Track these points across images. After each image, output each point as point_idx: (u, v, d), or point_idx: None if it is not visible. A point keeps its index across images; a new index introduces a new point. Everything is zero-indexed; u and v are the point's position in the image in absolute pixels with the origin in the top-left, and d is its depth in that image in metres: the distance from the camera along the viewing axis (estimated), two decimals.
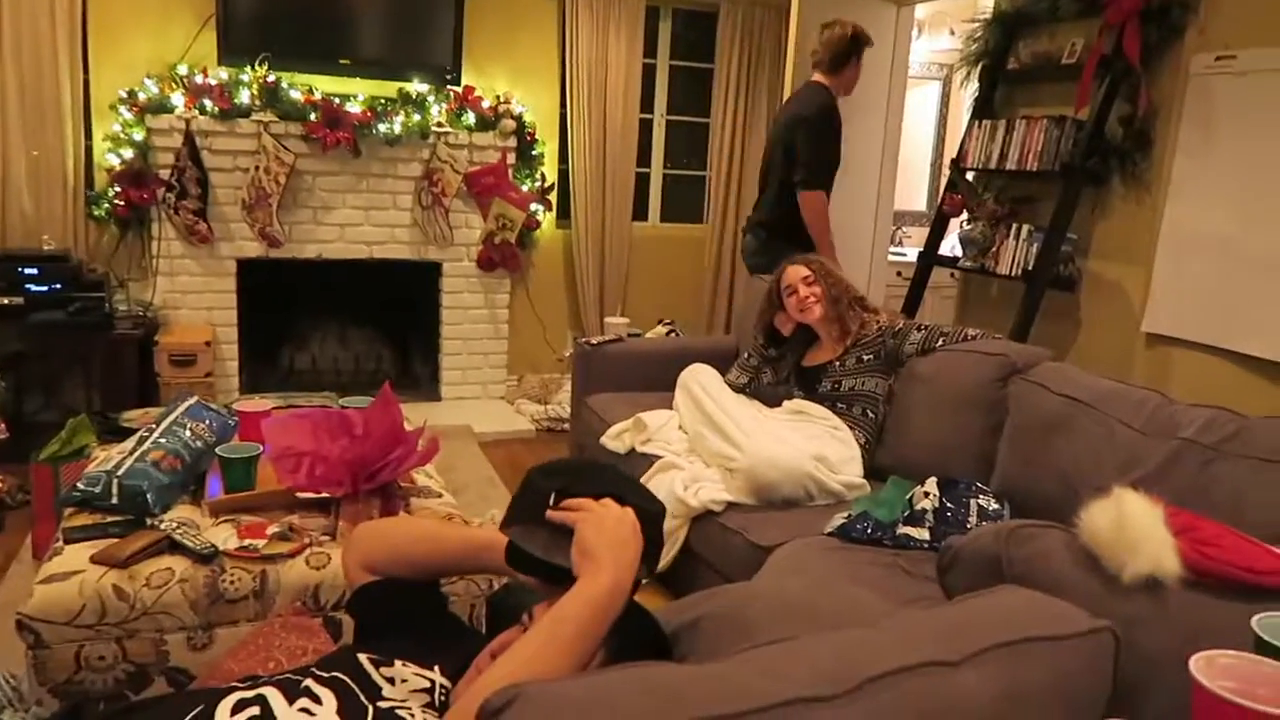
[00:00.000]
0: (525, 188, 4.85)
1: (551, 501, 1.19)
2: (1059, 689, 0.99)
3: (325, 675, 1.18)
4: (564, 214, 5.13)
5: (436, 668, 1.22)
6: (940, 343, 2.78)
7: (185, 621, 1.83)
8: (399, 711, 1.13)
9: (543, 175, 4.96)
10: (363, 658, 1.22)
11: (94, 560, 1.83)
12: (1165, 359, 3.41)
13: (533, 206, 4.87)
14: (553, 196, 5.03)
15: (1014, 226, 3.82)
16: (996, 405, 2.53)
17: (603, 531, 1.13)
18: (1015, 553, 1.21)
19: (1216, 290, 3.20)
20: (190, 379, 4.09)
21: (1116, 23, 3.41)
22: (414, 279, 4.96)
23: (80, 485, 2.05)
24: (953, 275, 4.72)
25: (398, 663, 1.22)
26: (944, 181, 4.59)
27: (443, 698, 1.19)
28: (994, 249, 3.92)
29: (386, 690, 1.17)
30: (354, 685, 1.17)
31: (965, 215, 4.16)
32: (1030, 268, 3.65)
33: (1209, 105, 3.24)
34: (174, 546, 1.90)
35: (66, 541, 1.92)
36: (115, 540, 1.90)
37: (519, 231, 4.85)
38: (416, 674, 1.21)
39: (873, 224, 5.02)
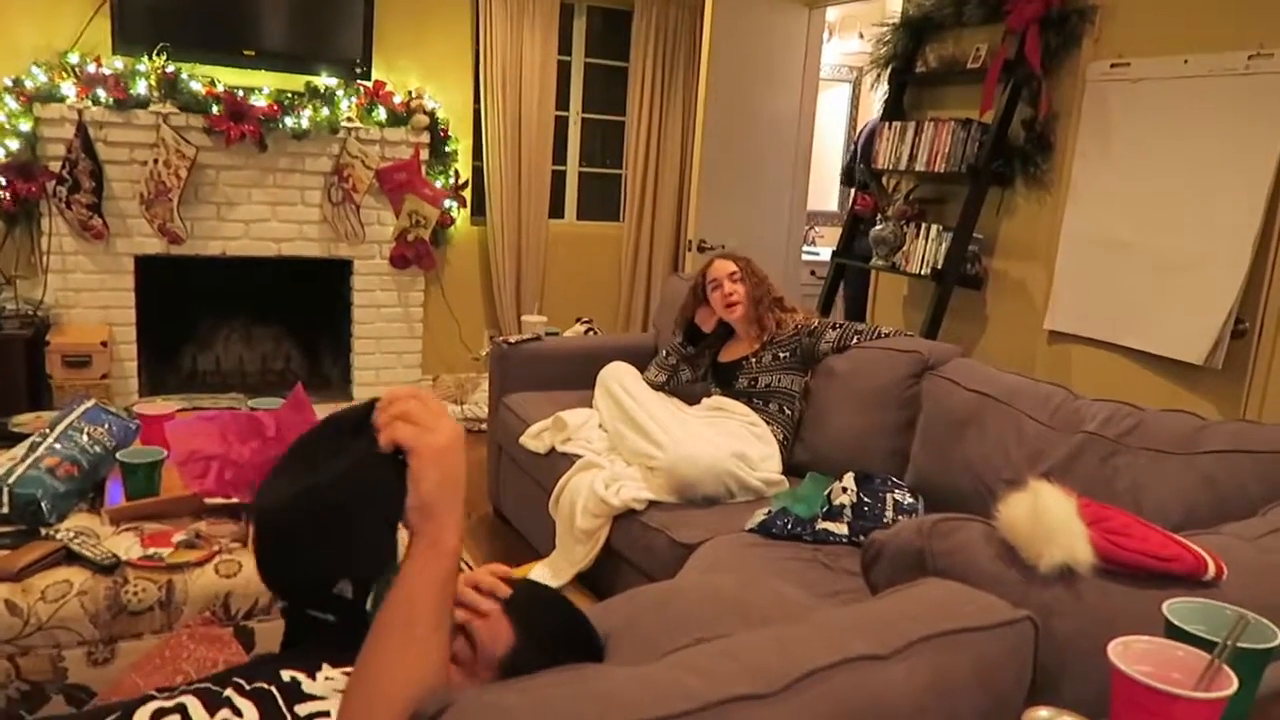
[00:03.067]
0: (439, 184, 4.77)
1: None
2: (983, 678, 1.01)
3: (248, 688, 1.13)
4: (479, 211, 5.06)
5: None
6: (855, 340, 2.83)
7: (85, 635, 1.74)
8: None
9: (456, 172, 4.89)
10: (286, 674, 1.17)
11: None
12: (1066, 355, 3.54)
13: (446, 203, 4.79)
14: (467, 193, 4.96)
15: (923, 226, 3.92)
16: (910, 401, 2.59)
17: (445, 473, 0.97)
18: (937, 546, 1.23)
19: (1112, 289, 3.34)
20: (85, 381, 3.90)
21: (1018, 29, 3.52)
22: (324, 276, 4.83)
23: None
24: (863, 274, 4.83)
25: (325, 666, 1.18)
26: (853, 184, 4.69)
27: None
28: (904, 248, 4.01)
29: (310, 690, 1.13)
30: (277, 695, 1.12)
31: (876, 215, 4.25)
32: (939, 266, 3.75)
33: (1105, 111, 3.38)
34: (71, 557, 1.81)
35: None
36: (6, 552, 1.79)
37: (433, 229, 4.76)
38: (344, 674, 1.17)
39: (786, 223, 5.10)
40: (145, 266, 4.35)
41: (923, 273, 3.86)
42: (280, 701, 1.12)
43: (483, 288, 5.18)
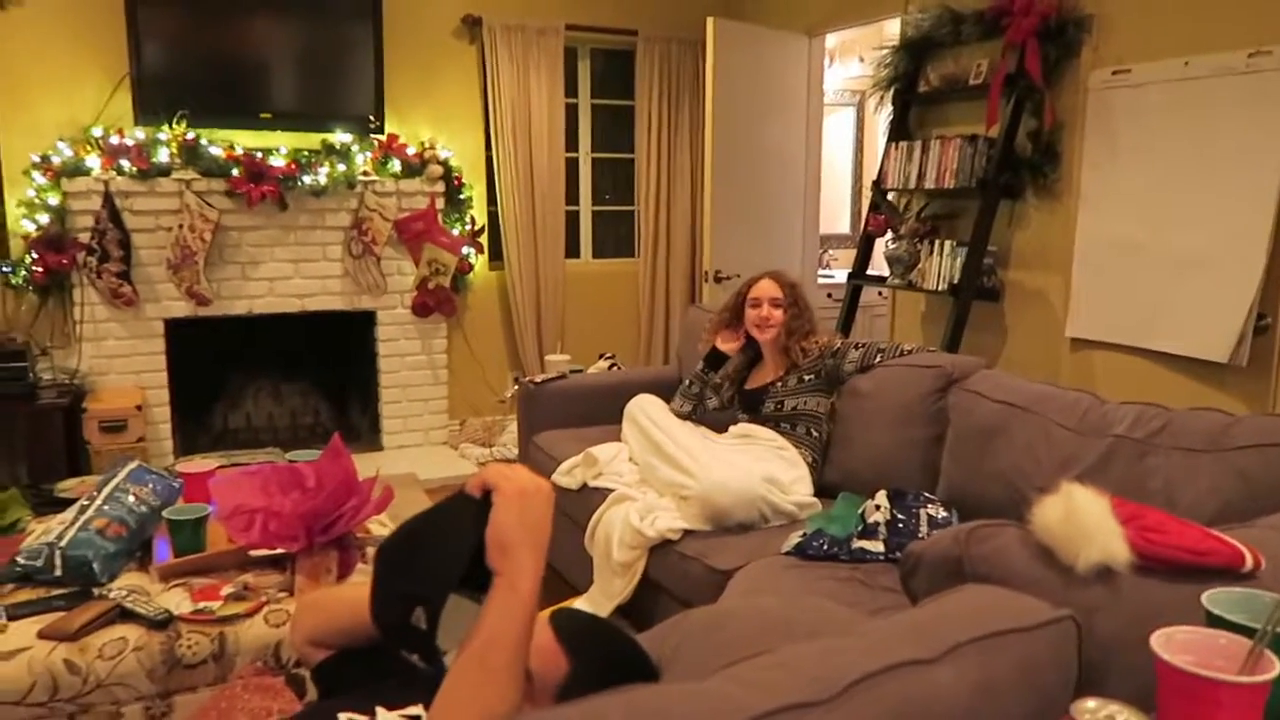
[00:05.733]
0: (455, 231, 4.85)
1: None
2: (1029, 677, 1.03)
3: None
4: (496, 255, 5.14)
5: (420, 705, 1.22)
6: (878, 359, 2.86)
7: (142, 691, 1.78)
8: None
9: (472, 219, 4.97)
10: (343, 717, 1.20)
11: (41, 635, 1.77)
12: (1089, 361, 3.55)
13: (464, 250, 4.87)
14: (484, 239, 5.04)
15: (937, 242, 3.95)
16: (937, 416, 2.60)
17: (525, 514, 1.03)
18: (975, 552, 1.25)
19: (1131, 293, 3.35)
20: (122, 445, 3.97)
21: (1017, 43, 3.57)
22: (348, 329, 4.91)
23: (20, 559, 1.99)
24: (880, 294, 4.86)
25: (380, 710, 1.20)
26: (866, 204, 4.74)
27: None
28: (920, 265, 4.04)
29: None
30: None
31: (889, 234, 4.28)
32: (956, 281, 3.78)
33: (1110, 117, 3.41)
34: (125, 615, 1.85)
35: (9, 619, 1.85)
36: (62, 613, 1.84)
37: (452, 275, 4.84)
38: (401, 717, 1.20)
39: (800, 248, 5.15)
40: (174, 329, 4.44)
41: (940, 289, 3.89)
42: None
43: (504, 330, 5.24)
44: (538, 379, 3.61)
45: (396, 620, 1.07)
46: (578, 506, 2.95)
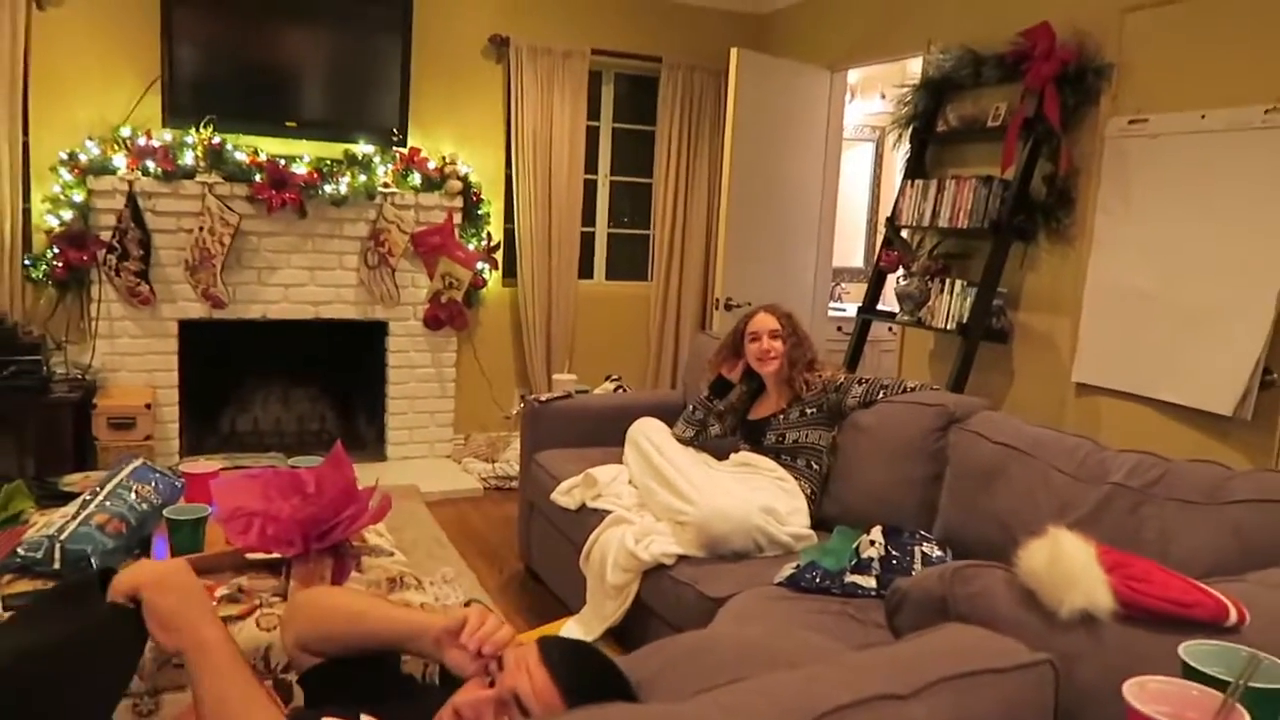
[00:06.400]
0: (471, 247, 4.90)
1: None
2: (1004, 718, 1.04)
3: None
4: (510, 272, 5.18)
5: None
6: (881, 395, 2.87)
7: (130, 688, 1.79)
8: None
9: (489, 234, 5.02)
10: None
11: None
12: (1094, 407, 3.55)
13: (479, 265, 4.91)
14: (499, 255, 5.08)
15: (948, 281, 3.97)
16: (937, 454, 2.61)
17: (170, 587, 1.20)
18: (959, 591, 1.26)
19: (1139, 341, 3.36)
20: (129, 442, 4.01)
21: (1036, 87, 3.60)
22: (359, 338, 4.95)
23: (20, 551, 2.01)
24: (890, 330, 4.87)
25: (365, 717, 1.22)
26: (880, 239, 4.76)
27: None
28: (929, 303, 4.06)
29: None
30: None
31: (901, 271, 4.30)
32: (964, 320, 3.79)
33: (1125, 165, 3.43)
34: None
35: (6, 609, 1.87)
36: None
37: (465, 290, 4.88)
38: None
39: (812, 280, 5.17)
40: (188, 330, 4.49)
41: (948, 327, 3.90)
42: None
43: (514, 347, 5.27)
44: (543, 397, 3.63)
45: None
46: (575, 527, 2.96)
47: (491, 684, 1.18)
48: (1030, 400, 3.78)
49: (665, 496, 2.70)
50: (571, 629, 2.71)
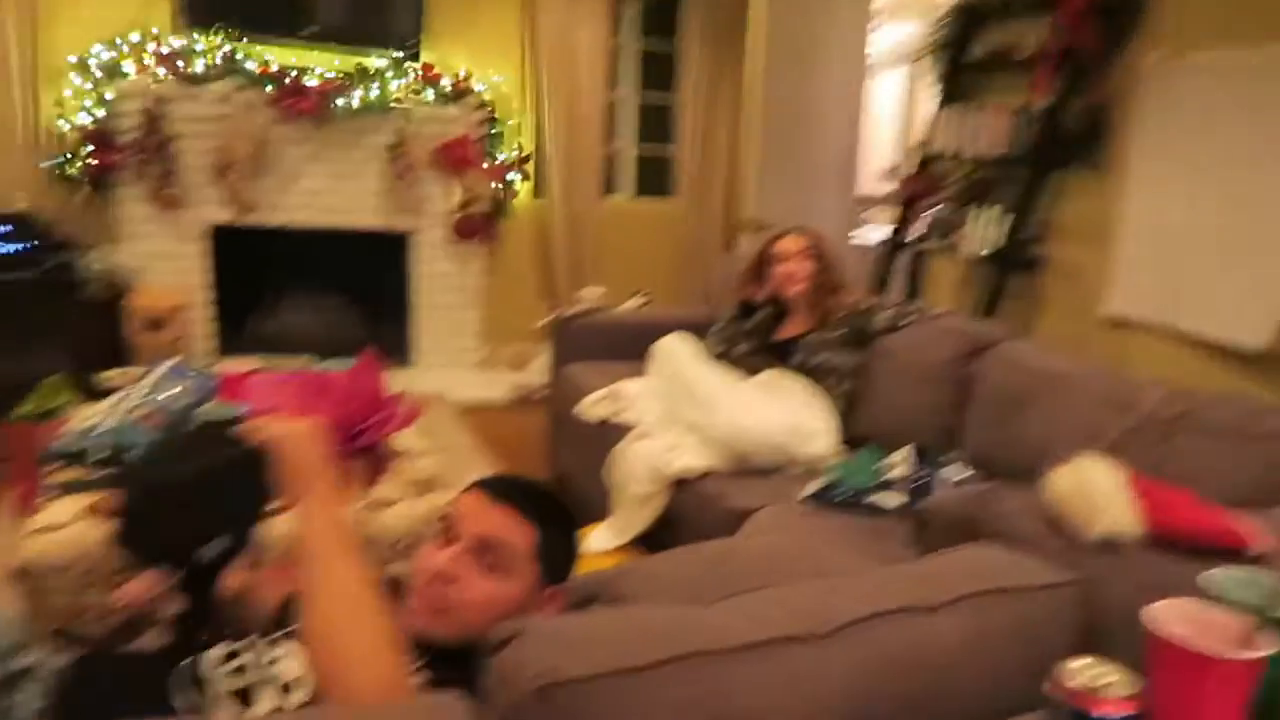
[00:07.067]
0: (500, 158, 4.85)
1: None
2: (1027, 636, 1.06)
3: (288, 630, 1.22)
4: (537, 187, 5.13)
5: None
6: (908, 320, 2.85)
7: None
8: None
9: (520, 145, 4.96)
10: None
11: (84, 513, 1.85)
12: (1123, 340, 3.51)
13: (509, 176, 4.87)
14: (530, 166, 5.03)
15: (979, 209, 3.90)
16: (964, 380, 2.61)
17: (301, 437, 1.17)
18: (988, 513, 1.28)
19: (1172, 273, 3.30)
20: (161, 342, 4.06)
21: (1073, 16, 3.47)
22: (387, 247, 4.95)
23: (65, 441, 2.07)
24: (917, 258, 4.80)
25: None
26: (910, 166, 4.66)
27: None
28: (960, 231, 3.99)
29: None
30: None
31: (932, 198, 4.22)
32: (995, 250, 3.73)
33: (1162, 96, 3.32)
34: None
35: (55, 495, 1.93)
36: (102, 494, 1.92)
37: (492, 203, 4.85)
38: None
39: (839, 206, 5.10)
40: (219, 235, 4.50)
41: (978, 256, 3.85)
42: None
43: (540, 261, 5.26)
44: (570, 311, 3.64)
45: (182, 553, 1.20)
46: (601, 440, 3.00)
47: (448, 542, 1.22)
48: (1059, 331, 3.75)
49: (691, 412, 2.72)
50: (599, 536, 2.77)
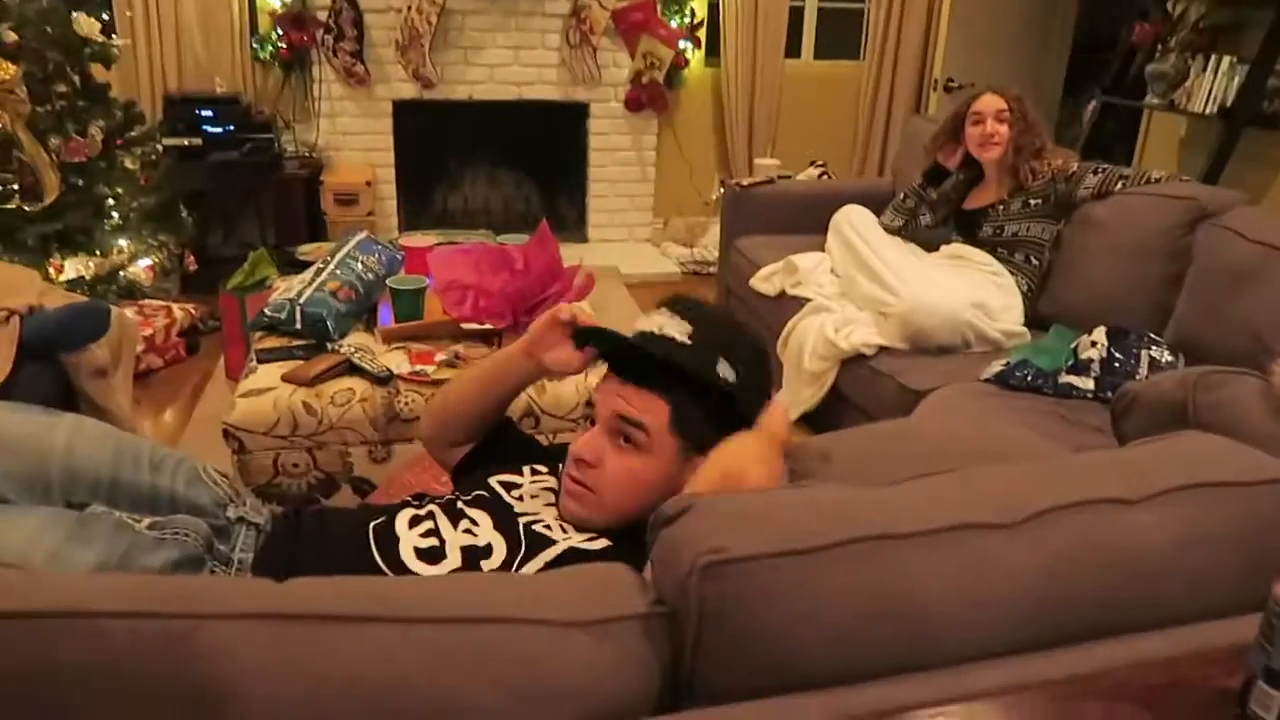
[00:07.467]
0: (674, 24, 4.69)
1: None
2: (1242, 537, 0.95)
3: (470, 499, 1.26)
4: (713, 52, 4.94)
5: (553, 477, 1.32)
6: (1120, 186, 2.59)
7: (366, 437, 1.98)
8: (535, 527, 1.21)
9: (692, 11, 4.77)
10: (493, 481, 1.31)
11: (284, 379, 1.99)
12: None
13: (681, 44, 4.72)
14: (702, 33, 4.85)
15: (1213, 58, 3.45)
16: (1179, 253, 2.37)
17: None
18: (1202, 399, 1.15)
19: None
20: (353, 217, 4.26)
21: None
22: (562, 120, 4.94)
23: (267, 311, 2.21)
24: (1134, 115, 4.35)
25: (525, 469, 1.32)
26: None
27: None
28: (1187, 84, 3.57)
29: (519, 507, 1.26)
30: (495, 505, 1.26)
31: (1158, 46, 3.77)
32: (1228, 104, 3.32)
33: None
34: (353, 369, 2.04)
35: (259, 362, 2.08)
36: (301, 362, 2.05)
37: (667, 70, 4.72)
38: (534, 480, 1.31)
39: (1046, 60, 4.64)
40: (401, 110, 4.62)
41: (1208, 111, 3.43)
42: (503, 495, 1.28)
43: (715, 130, 5.12)
44: (744, 182, 3.54)
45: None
46: (773, 313, 2.94)
47: (592, 425, 1.24)
48: None
49: (869, 286, 2.61)
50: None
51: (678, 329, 1.20)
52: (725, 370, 1.18)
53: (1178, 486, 0.93)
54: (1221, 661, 0.80)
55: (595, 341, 1.29)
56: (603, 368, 1.28)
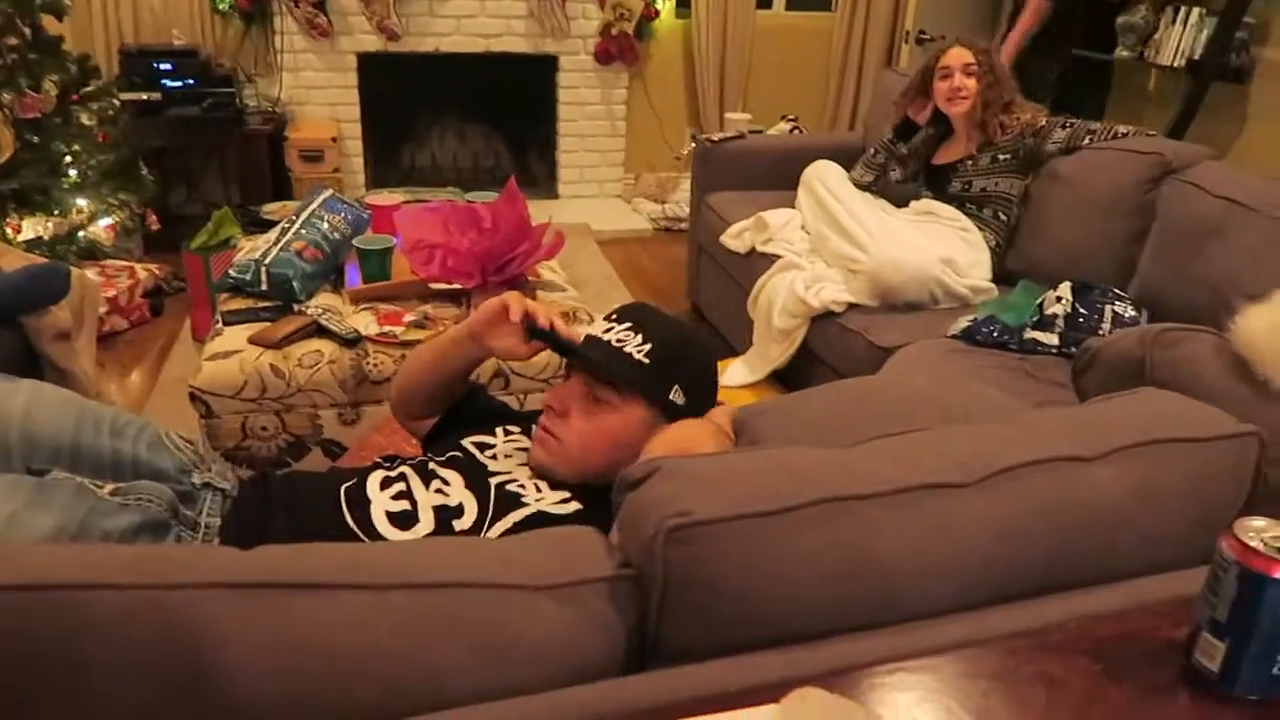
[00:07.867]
0: None
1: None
2: (1196, 490, 0.98)
3: (443, 459, 1.28)
4: (683, 3, 4.87)
5: (526, 438, 1.35)
6: (1087, 141, 2.60)
7: (335, 399, 1.98)
8: (509, 486, 1.23)
9: None
10: (467, 442, 1.33)
11: (251, 341, 1.97)
12: None
13: None
14: None
15: (1182, 10, 3.46)
16: (1144, 208, 2.38)
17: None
18: (1160, 356, 1.17)
19: None
20: (319, 174, 4.20)
21: None
22: (531, 74, 4.87)
23: (232, 272, 2.18)
24: (1101, 68, 4.35)
25: (499, 429, 1.35)
26: None
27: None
28: (1155, 35, 3.57)
29: (492, 466, 1.28)
30: (468, 465, 1.27)
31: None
32: (1196, 57, 3.33)
33: None
34: (321, 331, 2.02)
35: (225, 324, 2.06)
36: (268, 324, 2.03)
37: (637, 22, 4.65)
38: (508, 440, 1.34)
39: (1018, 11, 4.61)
40: (366, 64, 4.53)
41: (1175, 64, 3.45)
42: (476, 455, 1.30)
43: (686, 84, 5.07)
44: (715, 137, 3.51)
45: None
46: (743, 270, 2.94)
47: (566, 379, 1.30)
48: (1266, 150, 3.35)
49: (838, 243, 2.62)
50: (737, 370, 2.77)
51: (636, 348, 1.24)
52: (678, 397, 1.25)
53: (1133, 443, 0.95)
54: (1170, 613, 0.82)
55: (553, 347, 1.32)
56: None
